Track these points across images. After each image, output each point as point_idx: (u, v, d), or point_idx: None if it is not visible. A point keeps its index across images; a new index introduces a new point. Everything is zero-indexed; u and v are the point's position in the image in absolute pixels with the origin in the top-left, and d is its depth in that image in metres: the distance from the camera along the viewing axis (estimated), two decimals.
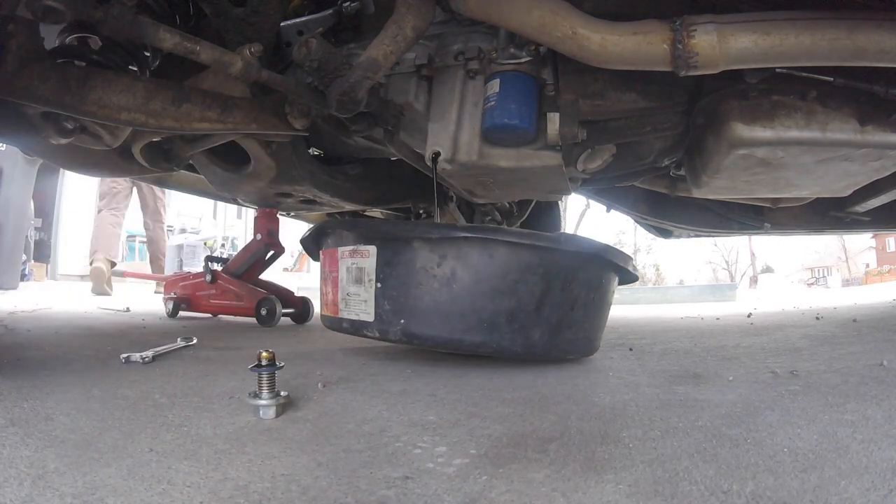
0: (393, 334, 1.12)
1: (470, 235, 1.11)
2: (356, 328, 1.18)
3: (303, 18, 1.31)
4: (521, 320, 1.12)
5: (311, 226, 1.34)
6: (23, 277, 5.19)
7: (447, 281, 1.10)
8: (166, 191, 4.67)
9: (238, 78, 0.98)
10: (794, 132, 1.07)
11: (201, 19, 1.26)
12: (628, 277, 1.38)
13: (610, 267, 1.27)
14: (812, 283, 21.36)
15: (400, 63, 1.21)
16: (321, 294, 1.32)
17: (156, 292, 4.38)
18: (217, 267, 2.57)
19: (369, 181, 1.90)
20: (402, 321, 1.11)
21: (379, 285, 1.12)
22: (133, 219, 13.15)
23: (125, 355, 1.22)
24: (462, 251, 1.10)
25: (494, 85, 1.17)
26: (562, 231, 2.65)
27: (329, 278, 1.25)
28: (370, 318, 1.14)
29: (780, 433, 0.71)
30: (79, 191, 10.66)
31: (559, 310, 1.16)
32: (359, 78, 1.01)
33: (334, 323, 1.25)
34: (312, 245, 1.37)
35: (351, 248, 1.18)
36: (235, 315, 2.41)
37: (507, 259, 1.11)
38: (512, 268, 1.11)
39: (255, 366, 0.81)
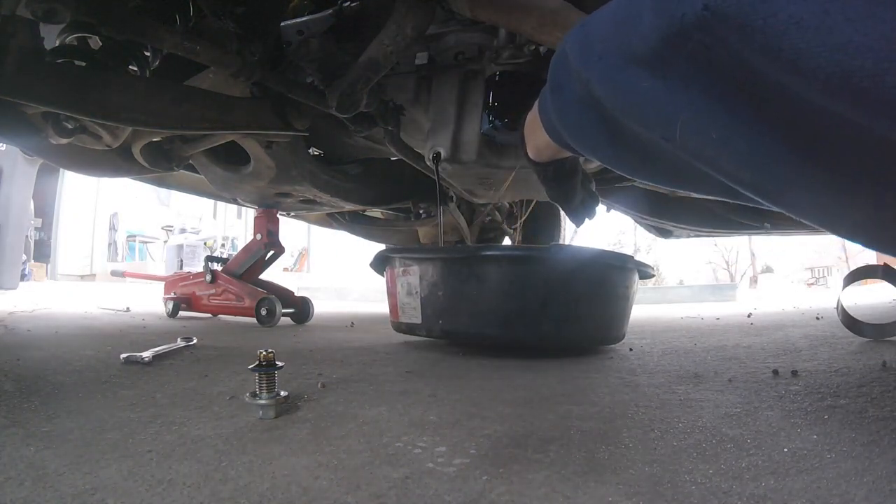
0: (435, 332, 1.44)
1: (486, 254, 1.39)
2: (410, 329, 1.51)
3: (303, 18, 1.31)
4: (530, 316, 1.33)
5: (377, 252, 1.64)
6: (23, 277, 5.20)
7: (472, 289, 1.36)
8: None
9: (238, 78, 0.98)
10: None
11: (201, 19, 1.26)
12: (645, 272, 1.56)
13: (611, 267, 1.44)
14: (812, 283, 21.36)
15: (400, 63, 1.21)
16: (389, 304, 1.64)
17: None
18: (217, 267, 2.57)
19: (369, 181, 1.91)
20: (441, 321, 1.41)
21: (423, 295, 1.43)
22: (133, 219, 13.08)
23: (125, 355, 1.22)
24: (481, 266, 1.36)
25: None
26: (558, 242, 2.70)
27: (392, 292, 1.58)
28: (419, 320, 1.45)
29: (780, 433, 0.71)
30: (79, 191, 10.68)
31: (563, 306, 1.34)
32: (359, 78, 1.01)
33: (397, 325, 1.58)
34: (378, 267, 1.67)
35: (403, 268, 1.50)
36: (235, 315, 2.41)
37: (515, 269, 1.35)
38: (518, 276, 1.33)
39: (255, 366, 0.81)
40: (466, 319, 1.37)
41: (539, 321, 1.32)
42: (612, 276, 1.44)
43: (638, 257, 1.57)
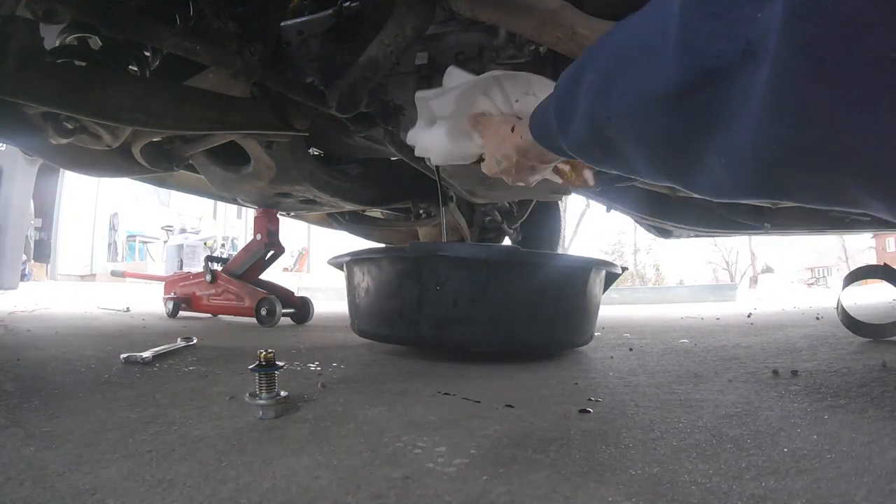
0: (356, 331, 1.54)
1: (358, 258, 1.51)
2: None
3: (303, 18, 1.31)
4: (408, 316, 1.37)
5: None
6: (23, 277, 5.19)
7: (361, 291, 1.50)
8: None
9: (238, 78, 0.98)
10: None
11: (201, 19, 1.25)
12: (616, 275, 1.65)
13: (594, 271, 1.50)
14: (812, 283, 21.35)
15: (400, 63, 1.21)
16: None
17: None
18: (217, 267, 2.57)
19: (369, 181, 1.90)
20: (357, 322, 1.54)
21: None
22: (133, 219, 13.05)
23: (125, 355, 1.22)
24: (362, 267, 1.49)
25: None
26: (557, 242, 2.71)
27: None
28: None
29: (780, 433, 0.71)
30: (79, 191, 10.67)
31: (440, 307, 1.34)
32: (359, 78, 1.01)
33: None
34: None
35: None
36: (235, 315, 2.41)
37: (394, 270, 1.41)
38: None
39: (255, 366, 0.81)
40: (367, 320, 1.48)
41: (417, 321, 1.35)
42: (595, 277, 1.49)
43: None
